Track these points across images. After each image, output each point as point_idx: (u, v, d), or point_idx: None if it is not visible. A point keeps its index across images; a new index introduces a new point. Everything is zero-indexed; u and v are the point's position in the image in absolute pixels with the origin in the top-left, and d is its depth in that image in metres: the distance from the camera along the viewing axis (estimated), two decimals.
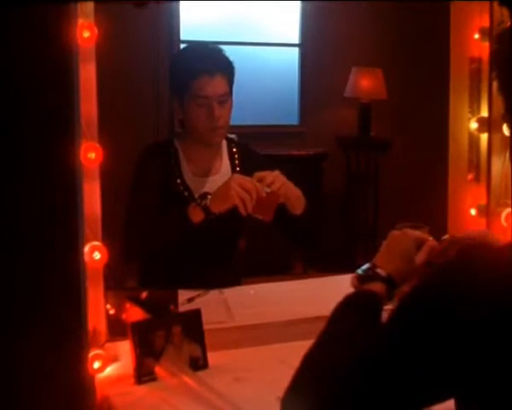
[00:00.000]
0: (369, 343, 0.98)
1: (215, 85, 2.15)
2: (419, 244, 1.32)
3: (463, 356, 0.88)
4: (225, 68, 2.18)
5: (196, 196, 2.21)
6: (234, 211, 2.28)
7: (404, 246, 1.31)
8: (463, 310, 0.88)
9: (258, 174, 2.06)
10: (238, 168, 2.29)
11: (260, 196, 2.01)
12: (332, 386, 0.96)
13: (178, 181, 2.21)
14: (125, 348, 1.58)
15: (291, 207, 2.14)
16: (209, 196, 2.06)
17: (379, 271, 1.25)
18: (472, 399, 0.92)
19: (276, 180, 2.06)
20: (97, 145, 1.57)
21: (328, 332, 1.09)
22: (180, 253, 2.10)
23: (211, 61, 2.17)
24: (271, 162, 2.27)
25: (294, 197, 2.13)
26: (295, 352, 1.70)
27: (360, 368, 0.94)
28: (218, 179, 2.26)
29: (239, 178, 2.05)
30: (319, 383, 0.97)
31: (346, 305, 1.15)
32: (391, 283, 1.24)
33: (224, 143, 2.29)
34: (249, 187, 2.01)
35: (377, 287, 1.22)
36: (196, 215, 2.04)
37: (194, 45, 2.32)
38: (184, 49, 2.36)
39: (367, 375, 0.93)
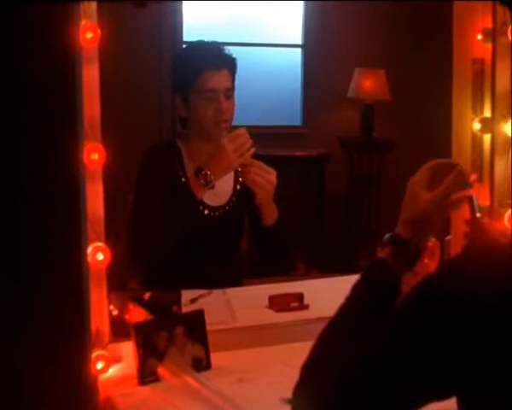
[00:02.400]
0: (374, 343, 0.98)
1: (221, 79, 2.19)
2: (435, 175, 1.28)
3: (466, 354, 0.88)
4: (229, 63, 2.23)
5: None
6: (235, 212, 2.29)
7: (408, 196, 1.28)
8: (468, 309, 0.89)
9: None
10: (240, 168, 2.30)
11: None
12: (339, 385, 0.96)
13: (183, 180, 2.22)
14: (128, 348, 1.58)
15: (263, 214, 2.16)
16: (208, 173, 2.07)
17: (387, 235, 1.23)
18: (475, 397, 0.92)
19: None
20: (100, 146, 1.57)
21: (336, 323, 1.09)
22: (182, 253, 2.11)
23: (215, 56, 2.22)
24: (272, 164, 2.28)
25: (267, 200, 2.14)
26: (298, 353, 1.70)
27: (366, 368, 0.95)
28: (221, 178, 2.27)
29: (230, 141, 2.08)
30: (327, 381, 0.98)
31: (354, 288, 1.14)
32: (397, 241, 1.21)
33: None
34: (242, 141, 2.07)
35: (384, 252, 1.20)
36: (199, 189, 2.08)
37: (195, 43, 2.35)
38: (186, 47, 2.40)
39: (372, 374, 0.94)
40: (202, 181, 2.06)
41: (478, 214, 1.33)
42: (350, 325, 1.06)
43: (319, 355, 1.03)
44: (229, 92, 2.20)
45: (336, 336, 1.05)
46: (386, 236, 1.23)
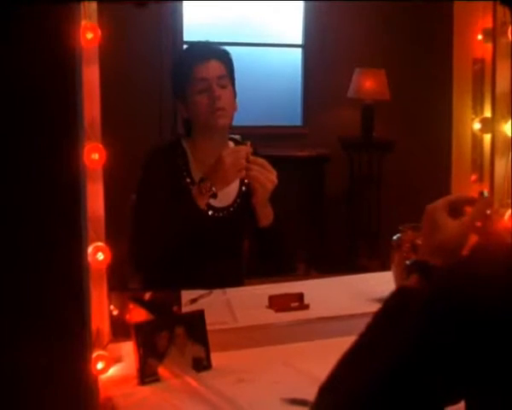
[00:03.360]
0: (389, 355, 0.97)
1: (211, 67, 2.23)
2: (453, 207, 1.27)
3: (477, 358, 0.88)
4: (218, 54, 2.27)
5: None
6: (239, 213, 2.29)
7: (429, 223, 1.27)
8: (472, 310, 0.88)
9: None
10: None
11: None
12: (354, 398, 0.96)
13: (188, 180, 2.22)
14: (128, 348, 1.58)
15: (258, 215, 2.16)
16: (208, 185, 2.09)
17: (410, 261, 1.21)
18: (484, 400, 0.92)
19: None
20: (101, 146, 1.57)
21: (360, 342, 1.07)
22: (184, 253, 2.11)
23: (203, 49, 2.28)
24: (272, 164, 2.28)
25: (264, 200, 2.15)
26: (298, 353, 1.71)
27: (377, 378, 0.94)
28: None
29: (228, 154, 2.10)
30: (342, 397, 0.98)
31: (381, 312, 1.11)
32: (426, 269, 1.18)
33: (231, 144, 2.31)
34: (240, 155, 2.09)
35: (413, 280, 1.17)
36: (201, 198, 2.10)
37: (189, 46, 2.44)
38: (181, 51, 2.45)
39: (384, 383, 0.93)
40: (204, 191, 2.08)
41: (488, 211, 1.33)
42: (369, 350, 1.05)
43: (335, 376, 1.02)
44: (223, 81, 2.22)
45: (354, 359, 1.04)
46: (409, 263, 1.21)
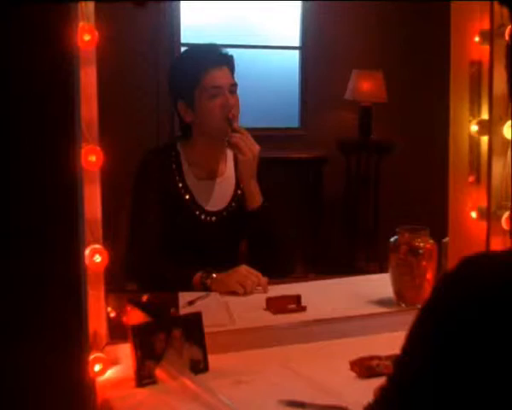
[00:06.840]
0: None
1: (225, 75, 2.25)
2: None
3: (474, 367, 0.87)
4: (229, 61, 2.28)
5: (198, 201, 2.22)
6: (233, 216, 2.29)
7: None
8: (469, 320, 0.87)
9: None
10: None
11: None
12: None
13: (180, 185, 2.22)
14: (125, 351, 1.58)
15: (245, 195, 2.18)
16: (214, 275, 2.08)
17: None
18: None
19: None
20: (98, 148, 1.57)
21: None
22: (180, 257, 2.11)
23: (215, 54, 2.27)
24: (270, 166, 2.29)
25: (247, 175, 2.17)
26: (296, 355, 1.71)
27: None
28: (222, 182, 2.28)
29: (246, 270, 2.09)
30: None
31: None
32: None
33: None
34: (253, 280, 2.06)
35: None
36: (197, 287, 2.07)
37: (193, 46, 2.42)
38: (184, 52, 2.43)
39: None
40: (203, 281, 2.07)
41: None
42: None
43: None
44: (233, 88, 2.24)
45: None
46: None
